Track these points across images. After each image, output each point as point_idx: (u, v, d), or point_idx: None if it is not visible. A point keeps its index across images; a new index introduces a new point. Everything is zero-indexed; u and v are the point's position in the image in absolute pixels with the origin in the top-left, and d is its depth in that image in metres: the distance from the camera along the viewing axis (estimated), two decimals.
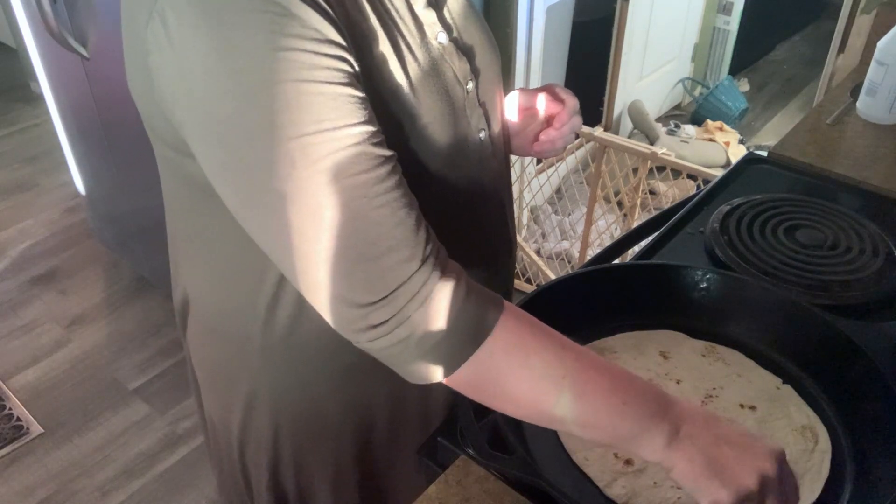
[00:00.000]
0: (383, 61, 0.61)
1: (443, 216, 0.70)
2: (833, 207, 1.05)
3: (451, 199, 0.72)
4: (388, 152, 0.57)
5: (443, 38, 0.69)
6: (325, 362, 0.75)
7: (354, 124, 0.54)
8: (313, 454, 0.82)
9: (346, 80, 0.54)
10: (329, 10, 0.54)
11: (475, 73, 0.72)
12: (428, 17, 0.67)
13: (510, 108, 0.87)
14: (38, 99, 2.79)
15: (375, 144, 0.56)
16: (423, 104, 0.65)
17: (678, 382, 0.78)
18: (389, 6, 0.63)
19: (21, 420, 1.96)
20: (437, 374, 0.59)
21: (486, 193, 0.78)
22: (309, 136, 0.53)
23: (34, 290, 2.42)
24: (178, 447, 1.91)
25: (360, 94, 0.55)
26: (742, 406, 0.75)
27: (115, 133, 1.99)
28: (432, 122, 0.66)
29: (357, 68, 0.56)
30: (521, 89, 0.87)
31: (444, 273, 0.58)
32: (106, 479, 1.83)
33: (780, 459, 0.59)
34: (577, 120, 0.86)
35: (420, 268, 0.57)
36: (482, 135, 0.74)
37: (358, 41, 0.59)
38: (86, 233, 2.58)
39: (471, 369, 0.59)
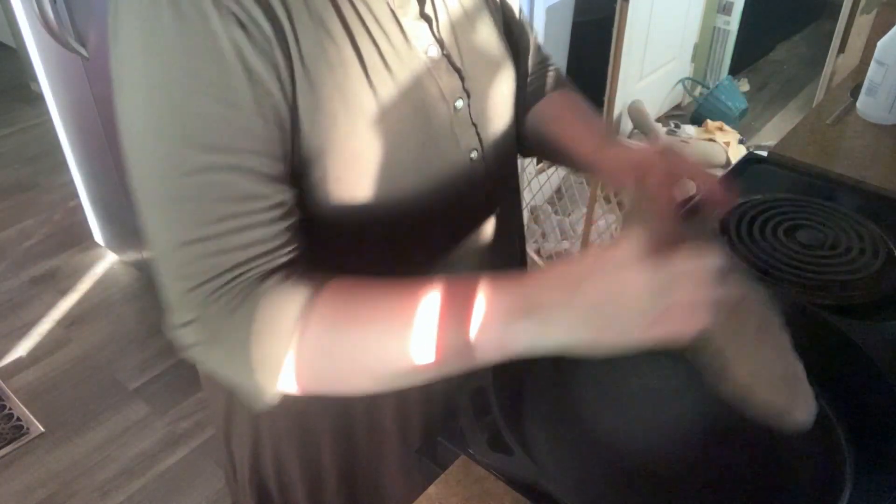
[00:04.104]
0: (345, 72, 0.60)
1: (426, 237, 0.71)
2: (833, 207, 1.05)
3: (434, 220, 0.71)
4: (268, 191, 0.57)
5: (433, 51, 0.67)
6: None
7: (242, 151, 0.56)
8: (292, 447, 0.82)
9: (256, 108, 0.55)
10: (265, 35, 0.55)
11: (467, 91, 0.70)
12: (418, 29, 0.66)
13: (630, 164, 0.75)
14: (38, 99, 2.79)
15: (254, 175, 0.56)
16: (390, 115, 0.63)
17: None
18: (367, 16, 0.62)
19: (21, 420, 1.96)
20: (259, 384, 0.58)
21: (479, 214, 0.76)
22: (188, 148, 0.55)
23: (34, 290, 2.42)
24: (178, 447, 1.91)
25: (268, 127, 0.56)
26: None
27: (115, 133, 1.98)
28: (402, 133, 0.64)
29: (284, 96, 0.57)
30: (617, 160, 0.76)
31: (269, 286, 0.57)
32: (106, 479, 1.83)
33: (641, 251, 0.51)
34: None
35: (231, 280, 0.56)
36: (473, 155, 0.73)
37: (310, 52, 0.58)
38: (86, 233, 2.57)
39: (293, 373, 0.57)
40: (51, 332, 2.26)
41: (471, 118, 0.72)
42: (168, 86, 0.54)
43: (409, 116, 0.65)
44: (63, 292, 2.42)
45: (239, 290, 0.56)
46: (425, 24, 0.67)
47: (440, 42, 0.68)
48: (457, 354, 0.56)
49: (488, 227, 0.79)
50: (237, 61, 0.54)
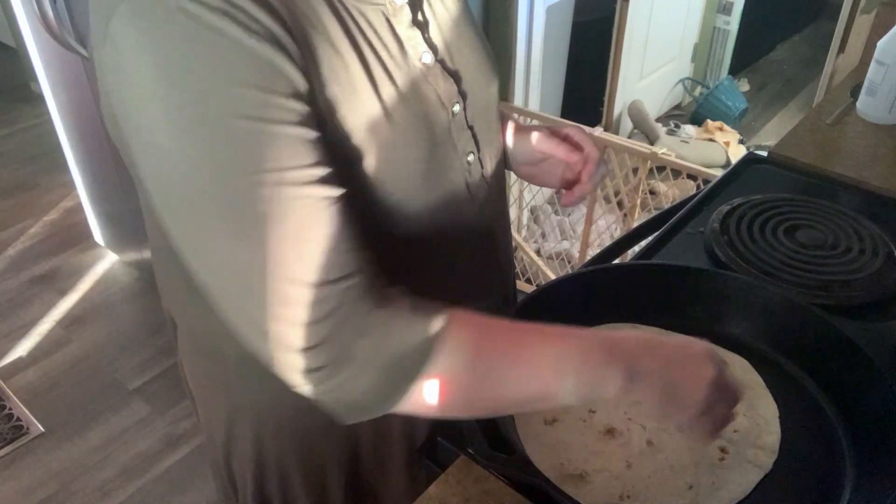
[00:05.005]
0: (353, 87, 0.59)
1: (424, 239, 0.70)
2: (833, 207, 1.05)
3: (433, 223, 0.70)
4: (334, 192, 0.56)
5: (427, 58, 0.67)
6: None
7: (298, 167, 0.54)
8: (297, 466, 0.81)
9: (294, 120, 0.53)
10: (287, 47, 0.53)
11: (462, 95, 0.70)
12: (412, 36, 0.65)
13: (525, 147, 0.86)
14: (38, 99, 2.79)
15: (321, 184, 0.55)
16: (398, 127, 0.63)
17: None
18: (366, 27, 0.61)
19: (21, 420, 1.96)
20: (385, 406, 0.59)
21: (477, 214, 0.76)
22: (251, 175, 0.52)
23: (34, 290, 2.42)
24: (178, 447, 1.91)
25: (309, 135, 0.54)
26: None
27: None
28: (408, 145, 0.64)
29: (308, 107, 0.55)
30: (539, 130, 0.85)
31: (380, 300, 0.58)
32: (106, 479, 1.83)
33: (716, 359, 0.63)
34: (603, 169, 0.86)
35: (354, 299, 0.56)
36: (470, 158, 0.73)
37: (324, 71, 0.57)
38: (86, 233, 2.57)
39: (419, 393, 0.59)
40: (51, 332, 2.26)
41: (466, 121, 0.71)
42: (204, 114, 0.51)
43: (413, 126, 0.65)
44: (63, 292, 2.41)
45: (359, 309, 0.56)
46: (418, 32, 0.66)
47: (433, 48, 0.68)
48: (558, 392, 0.61)
49: (482, 234, 0.78)
50: (272, 74, 0.52)
